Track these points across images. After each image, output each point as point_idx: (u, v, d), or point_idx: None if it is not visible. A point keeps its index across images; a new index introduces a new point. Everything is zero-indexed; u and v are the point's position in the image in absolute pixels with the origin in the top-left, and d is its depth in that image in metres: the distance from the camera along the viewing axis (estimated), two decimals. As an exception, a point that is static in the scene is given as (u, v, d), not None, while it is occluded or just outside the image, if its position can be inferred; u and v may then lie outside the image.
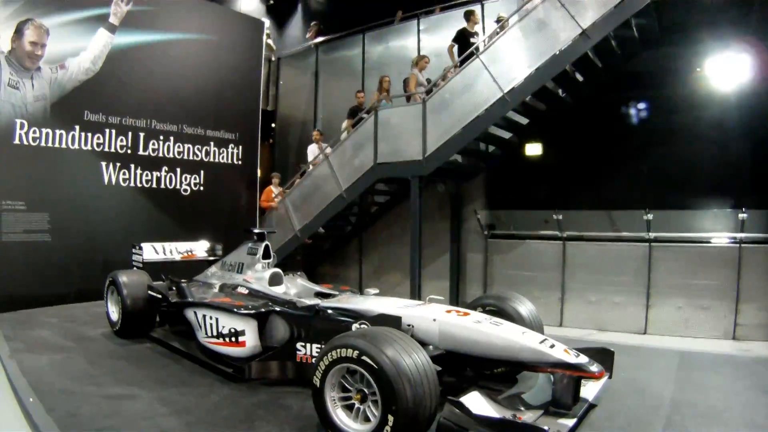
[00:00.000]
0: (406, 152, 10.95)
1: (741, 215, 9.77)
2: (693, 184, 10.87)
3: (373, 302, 5.66)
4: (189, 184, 12.22)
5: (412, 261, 10.95)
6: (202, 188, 12.40)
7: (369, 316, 5.19)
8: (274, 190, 13.30)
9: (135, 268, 8.39)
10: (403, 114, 11.27)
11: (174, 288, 7.29)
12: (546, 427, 3.79)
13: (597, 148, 11.75)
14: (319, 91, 15.94)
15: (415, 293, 10.59)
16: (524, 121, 11.50)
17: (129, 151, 11.21)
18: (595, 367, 4.34)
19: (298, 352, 5.49)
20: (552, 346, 4.52)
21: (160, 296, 7.37)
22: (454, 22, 13.09)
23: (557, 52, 9.54)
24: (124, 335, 7.47)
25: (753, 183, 10.49)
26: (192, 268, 8.61)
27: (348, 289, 6.80)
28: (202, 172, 12.42)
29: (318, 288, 6.73)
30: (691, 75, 11.18)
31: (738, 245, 9.83)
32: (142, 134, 11.41)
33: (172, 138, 11.91)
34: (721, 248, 10.05)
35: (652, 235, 10.39)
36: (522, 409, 4.44)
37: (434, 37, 13.89)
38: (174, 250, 8.96)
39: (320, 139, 13.38)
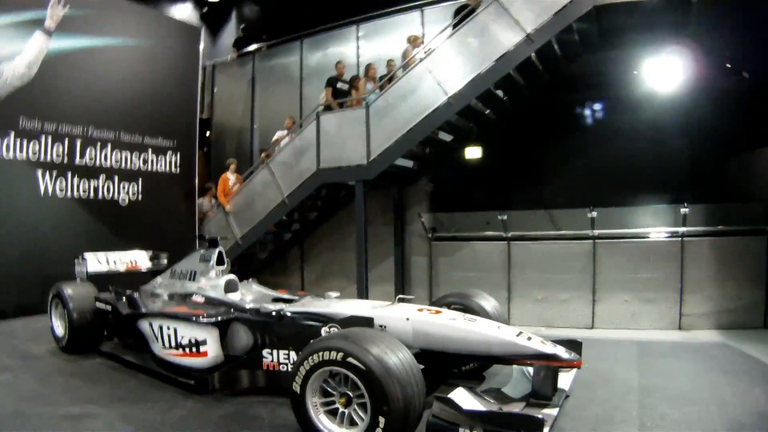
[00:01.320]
0: (349, 157, 10.97)
1: (683, 210, 10.06)
2: (635, 181, 11.39)
3: (340, 305, 5.65)
4: (127, 194, 11.89)
5: (358, 266, 10.95)
6: (140, 198, 12.11)
7: (338, 318, 5.17)
8: (230, 177, 12.99)
9: (79, 280, 8.07)
10: (347, 118, 11.34)
11: (123, 299, 7.04)
12: (540, 416, 3.81)
13: (539, 148, 12.18)
14: (256, 99, 15.74)
15: (364, 298, 10.50)
16: (466, 124, 11.57)
17: (66, 160, 10.96)
18: (572, 356, 4.42)
19: (264, 360, 5.41)
20: (529, 339, 4.63)
21: (109, 308, 7.11)
22: (392, 28, 13.21)
23: (502, 56, 9.74)
24: (72, 351, 7.24)
25: (692, 179, 11.23)
26: (136, 278, 8.43)
27: (305, 294, 6.71)
28: (140, 180, 12.16)
29: (275, 293, 6.67)
30: (629, 76, 11.69)
31: (680, 239, 10.16)
32: (79, 141, 11.14)
33: (109, 146, 11.65)
34: (664, 242, 10.38)
35: (596, 232, 10.60)
36: (505, 402, 4.49)
37: (373, 43, 13.92)
38: (118, 261, 8.72)
39: (292, 126, 13.12)
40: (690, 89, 10.95)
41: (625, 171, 11.46)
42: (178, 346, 5.78)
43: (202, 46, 14.18)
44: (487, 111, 11.50)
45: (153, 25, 12.98)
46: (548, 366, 4.48)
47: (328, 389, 4.11)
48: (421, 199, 12.61)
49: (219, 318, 5.65)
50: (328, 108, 11.63)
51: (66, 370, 6.55)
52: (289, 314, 5.50)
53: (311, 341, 4.27)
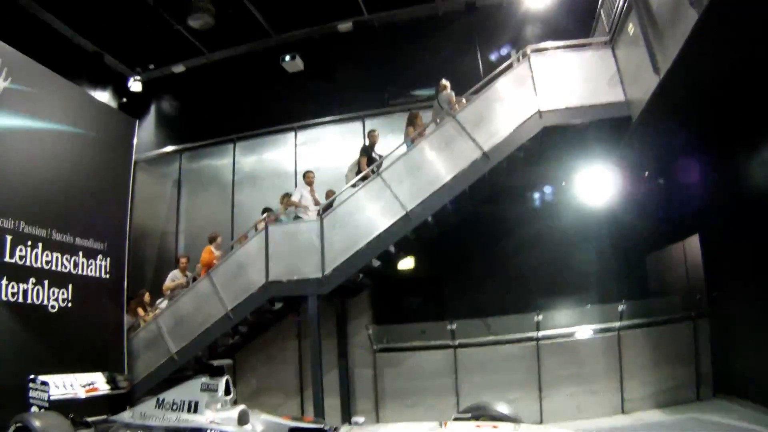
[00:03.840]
0: (302, 269, 11.11)
1: (620, 307, 11.45)
2: (567, 282, 12.75)
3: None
4: (57, 300, 11.18)
5: (314, 382, 10.91)
6: (70, 305, 11.39)
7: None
8: (215, 252, 12.59)
9: (40, 409, 7.54)
10: (298, 230, 11.55)
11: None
12: None
13: (478, 256, 13.19)
14: (182, 202, 15.54)
15: (320, 413, 10.50)
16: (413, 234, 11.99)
17: (-7, 258, 10.17)
18: None
19: None
20: None
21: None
22: (331, 135, 13.58)
23: (460, 172, 10.57)
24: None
25: (618, 277, 12.98)
26: (93, 404, 7.98)
27: (320, 420, 6.66)
28: (70, 286, 11.43)
29: (290, 423, 6.53)
30: (560, 186, 13.07)
31: (617, 332, 11.48)
32: (9, 237, 10.29)
33: (40, 244, 10.84)
34: (602, 337, 11.60)
35: (540, 333, 11.57)
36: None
37: (311, 149, 14.20)
38: (75, 384, 8.19)
39: (185, 266, 13.09)
40: (615, 196, 12.19)
41: (558, 273, 12.84)
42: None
43: (135, 140, 13.83)
44: (433, 222, 11.94)
45: (91, 111, 12.51)
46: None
47: None
48: (365, 310, 12.83)
49: None
50: (364, 177, 11.66)
51: None
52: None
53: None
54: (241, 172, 15.03)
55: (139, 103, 17.58)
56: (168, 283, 13.10)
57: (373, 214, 10.86)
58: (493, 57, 13.84)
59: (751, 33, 6.95)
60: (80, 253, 11.69)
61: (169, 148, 16.11)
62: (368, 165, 11.98)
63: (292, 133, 14.64)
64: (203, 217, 14.95)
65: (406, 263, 13.30)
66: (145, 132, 17.31)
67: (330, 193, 12.39)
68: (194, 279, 12.50)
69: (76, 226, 11.64)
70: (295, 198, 12.39)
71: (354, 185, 11.63)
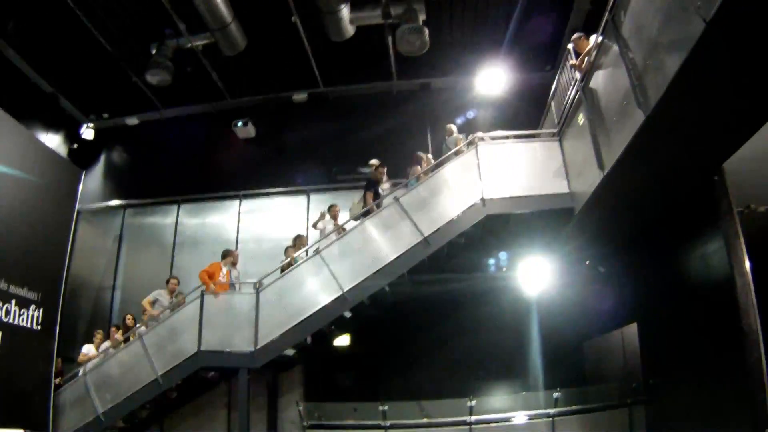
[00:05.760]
0: (235, 341, 11.23)
1: (555, 394, 11.64)
2: (502, 369, 13.16)
3: None
4: (-15, 350, 10.97)
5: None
6: (-2, 358, 11.17)
7: None
8: (224, 268, 12.36)
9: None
10: (233, 301, 11.74)
11: None
12: None
13: (411, 338, 13.43)
14: (122, 258, 15.58)
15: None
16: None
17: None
18: None
19: None
20: None
21: None
22: (275, 206, 13.80)
23: (400, 256, 10.91)
24: None
25: (553, 364, 13.10)
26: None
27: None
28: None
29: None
30: (498, 273, 13.39)
31: (551, 419, 11.58)
32: None
33: None
34: (536, 423, 11.64)
35: (473, 418, 11.57)
36: None
37: (255, 218, 14.48)
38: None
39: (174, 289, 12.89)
40: (554, 283, 12.74)
41: (495, 359, 13.19)
42: None
43: (81, 188, 13.74)
44: (369, 302, 12.17)
45: (38, 157, 12.51)
46: None
47: None
48: (297, 385, 12.89)
49: None
50: (367, 212, 11.86)
51: None
52: None
53: None
54: (183, 234, 15.18)
55: (89, 151, 17.61)
56: (149, 299, 12.76)
57: (310, 291, 11.14)
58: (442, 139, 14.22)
59: (695, 133, 7.25)
60: (13, 302, 11.47)
61: (114, 202, 16.23)
62: (374, 200, 12.20)
63: (237, 201, 14.85)
64: (141, 275, 14.93)
65: (341, 340, 13.51)
66: (92, 182, 17.27)
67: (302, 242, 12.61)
68: (171, 292, 12.71)
69: (11, 273, 11.47)
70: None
71: (339, 231, 12.07)
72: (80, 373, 12.12)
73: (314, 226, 12.99)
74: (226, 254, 12.87)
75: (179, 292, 12.85)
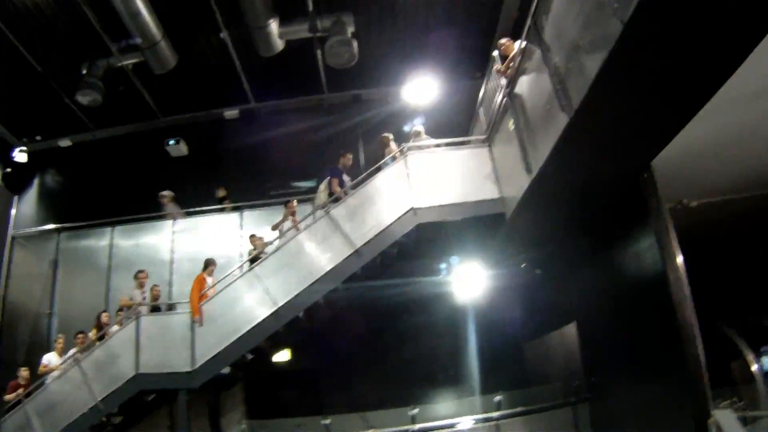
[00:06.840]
0: (173, 362, 11.22)
1: (496, 398, 11.90)
2: (442, 375, 13.37)
3: None
4: None
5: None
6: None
7: None
8: (209, 281, 12.22)
9: None
10: (170, 321, 11.74)
11: None
12: None
13: (351, 349, 13.47)
14: (58, 283, 15.40)
15: None
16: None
17: None
18: None
19: None
20: None
21: None
22: (208, 225, 13.80)
23: (332, 269, 10.99)
24: None
25: (495, 367, 13.27)
26: None
27: None
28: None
29: None
30: (434, 281, 13.53)
31: (496, 422, 11.81)
32: None
33: None
34: (483, 427, 11.83)
35: (417, 427, 11.72)
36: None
37: (188, 237, 14.56)
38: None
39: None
40: (491, 287, 12.91)
41: (437, 365, 13.44)
42: None
43: (14, 212, 13.55)
44: (304, 317, 12.16)
45: None
46: None
47: None
48: (239, 403, 12.93)
49: None
50: (335, 199, 11.83)
51: None
52: None
53: None
54: (117, 256, 15.06)
55: (23, 174, 17.37)
56: (125, 299, 12.83)
57: (245, 307, 11.21)
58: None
59: (620, 133, 7.36)
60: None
61: (49, 226, 16.01)
62: (340, 187, 12.21)
63: (171, 221, 14.86)
64: (78, 300, 14.79)
65: (282, 356, 13.58)
66: (26, 206, 17.11)
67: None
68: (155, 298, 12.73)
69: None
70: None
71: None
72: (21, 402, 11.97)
73: (274, 228, 13.00)
74: (209, 263, 12.63)
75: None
